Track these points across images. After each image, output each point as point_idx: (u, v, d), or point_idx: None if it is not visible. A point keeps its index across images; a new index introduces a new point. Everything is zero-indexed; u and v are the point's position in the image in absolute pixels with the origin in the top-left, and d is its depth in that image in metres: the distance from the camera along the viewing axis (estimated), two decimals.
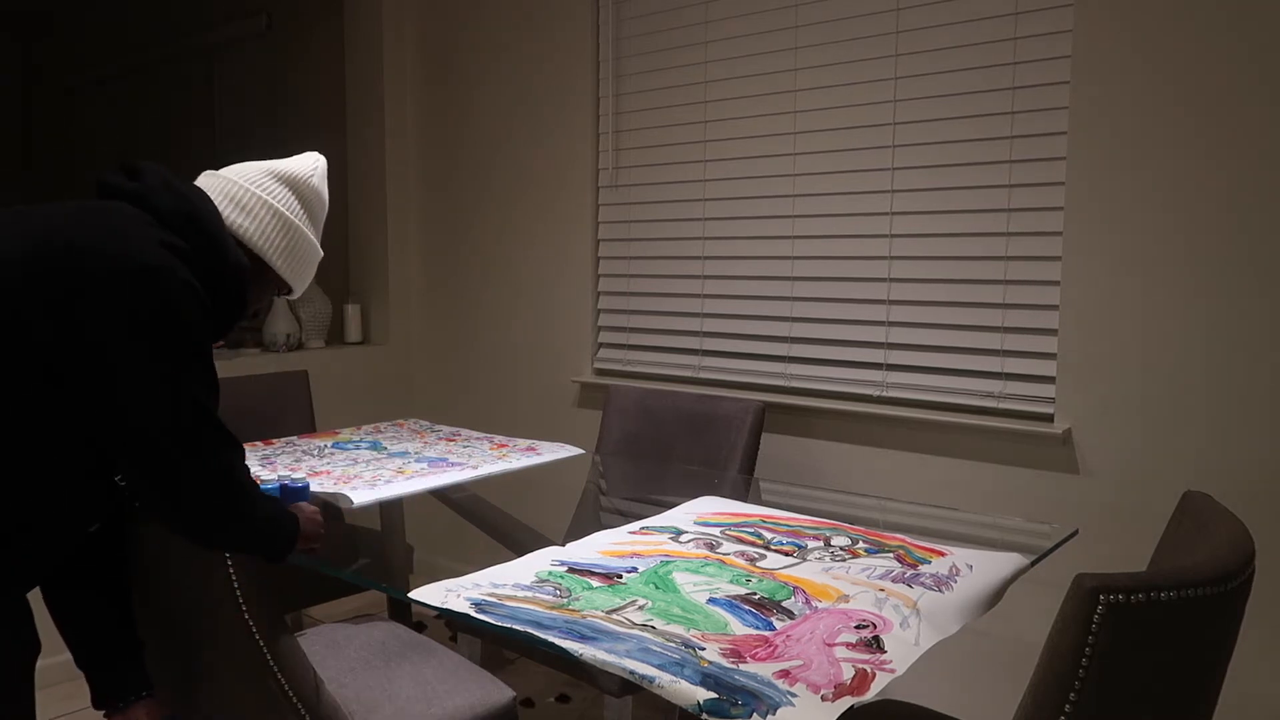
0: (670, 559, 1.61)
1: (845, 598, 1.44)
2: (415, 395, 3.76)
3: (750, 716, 1.07)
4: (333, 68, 3.89)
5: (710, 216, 2.87)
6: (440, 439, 2.61)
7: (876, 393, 2.56)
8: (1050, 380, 2.29)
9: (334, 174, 3.89)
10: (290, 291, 1.60)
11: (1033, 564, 1.62)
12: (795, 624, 1.34)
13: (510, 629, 1.30)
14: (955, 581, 1.51)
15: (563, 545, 1.69)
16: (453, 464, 2.29)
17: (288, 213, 1.53)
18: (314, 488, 2.04)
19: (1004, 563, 1.60)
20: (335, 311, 3.71)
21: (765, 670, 1.19)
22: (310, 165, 1.60)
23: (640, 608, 1.39)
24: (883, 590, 1.47)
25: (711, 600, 1.42)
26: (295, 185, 1.56)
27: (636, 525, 1.82)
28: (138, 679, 1.52)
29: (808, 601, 1.42)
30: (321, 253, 1.62)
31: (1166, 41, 2.07)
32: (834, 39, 2.58)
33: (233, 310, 1.45)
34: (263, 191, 1.51)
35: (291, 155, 1.62)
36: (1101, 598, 1.00)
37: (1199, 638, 1.07)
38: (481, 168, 3.49)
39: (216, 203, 1.46)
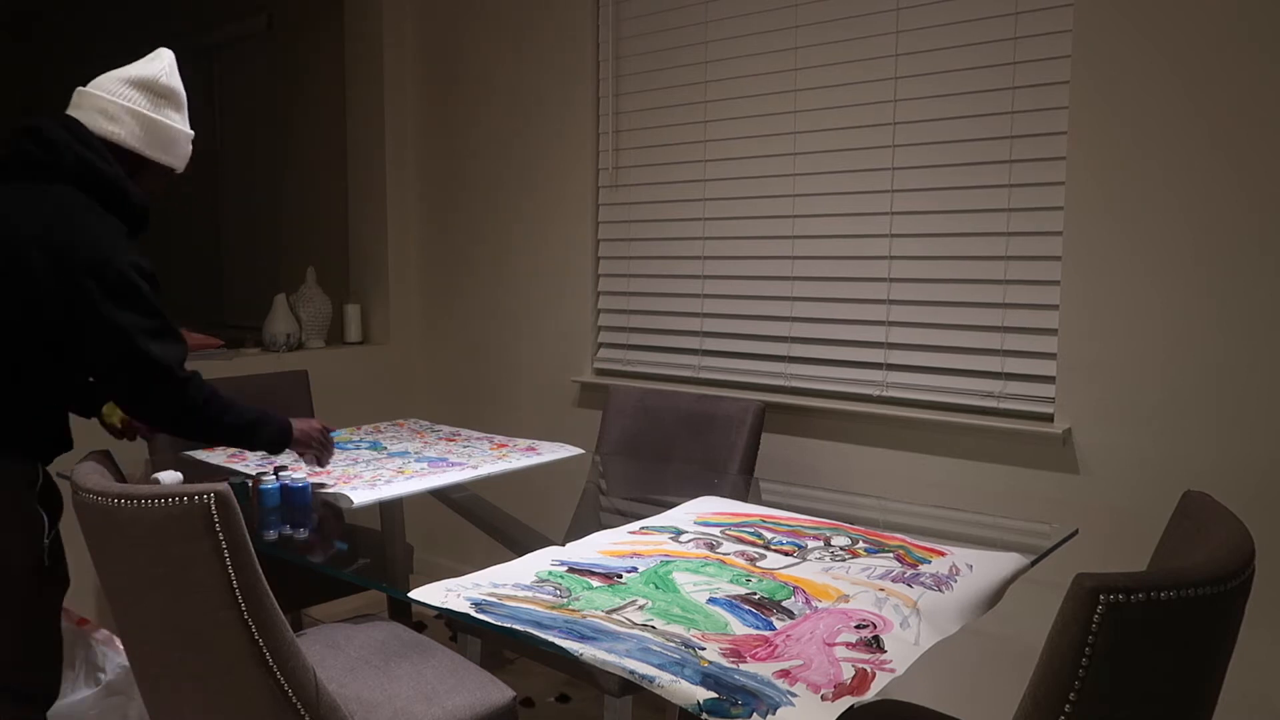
0: (670, 559, 1.61)
1: (845, 598, 1.44)
2: (415, 395, 3.76)
3: (750, 716, 1.07)
4: (333, 68, 3.89)
5: (710, 216, 2.87)
6: (440, 439, 2.61)
7: (876, 393, 2.56)
8: (1050, 380, 2.29)
9: (334, 173, 3.90)
10: (175, 172, 1.93)
11: (1033, 564, 1.62)
12: (795, 624, 1.34)
13: (510, 629, 1.30)
14: (955, 581, 1.51)
15: (563, 545, 1.69)
16: (453, 464, 2.29)
17: (147, 112, 1.83)
18: (314, 488, 2.04)
19: (1004, 563, 1.60)
20: (335, 311, 3.71)
21: (765, 670, 1.19)
22: (159, 66, 1.86)
23: (640, 607, 1.39)
24: (883, 590, 1.47)
25: (711, 600, 1.42)
26: (151, 86, 1.84)
27: (636, 525, 1.83)
28: (277, 423, 1.95)
29: (808, 601, 1.43)
30: (190, 132, 1.92)
31: (1166, 41, 2.07)
32: (834, 39, 2.58)
33: (137, 216, 1.82)
34: (123, 100, 1.80)
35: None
36: (1101, 598, 1.00)
37: (1199, 637, 1.07)
38: (481, 168, 3.49)
39: (89, 117, 1.78)
